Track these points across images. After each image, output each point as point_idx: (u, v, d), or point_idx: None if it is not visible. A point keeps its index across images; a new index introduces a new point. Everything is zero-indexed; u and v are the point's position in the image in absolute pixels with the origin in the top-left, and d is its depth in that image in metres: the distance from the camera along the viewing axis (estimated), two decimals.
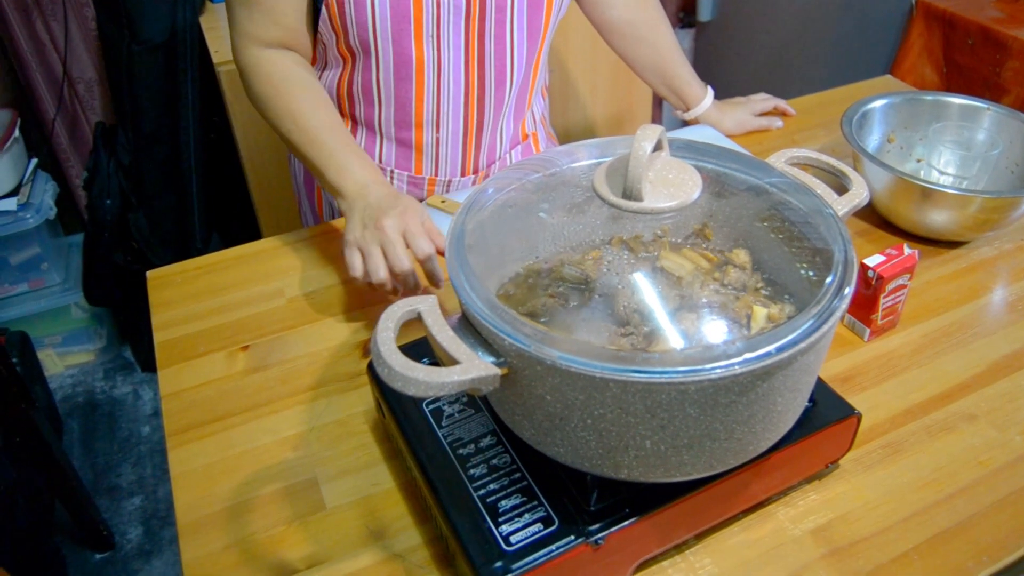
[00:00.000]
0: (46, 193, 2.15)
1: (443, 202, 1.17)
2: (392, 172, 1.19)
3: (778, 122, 1.39)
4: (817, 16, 2.40)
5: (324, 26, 1.04)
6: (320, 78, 1.15)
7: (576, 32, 2.09)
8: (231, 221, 2.25)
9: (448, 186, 1.22)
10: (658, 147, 0.69)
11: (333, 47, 1.07)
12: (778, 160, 0.79)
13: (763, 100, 1.41)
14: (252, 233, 2.15)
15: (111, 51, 2.02)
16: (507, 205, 0.73)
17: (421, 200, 1.21)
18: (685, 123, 1.41)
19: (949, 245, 1.11)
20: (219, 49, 1.84)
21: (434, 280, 0.94)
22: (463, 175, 1.22)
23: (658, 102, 2.78)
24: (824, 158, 0.80)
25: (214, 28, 1.93)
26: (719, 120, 1.37)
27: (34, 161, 2.18)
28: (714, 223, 0.72)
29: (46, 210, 2.11)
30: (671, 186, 0.66)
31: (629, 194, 0.65)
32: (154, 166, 2.03)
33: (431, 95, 1.10)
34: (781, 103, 1.42)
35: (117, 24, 1.91)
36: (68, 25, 2.14)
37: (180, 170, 2.02)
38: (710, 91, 1.37)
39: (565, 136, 2.20)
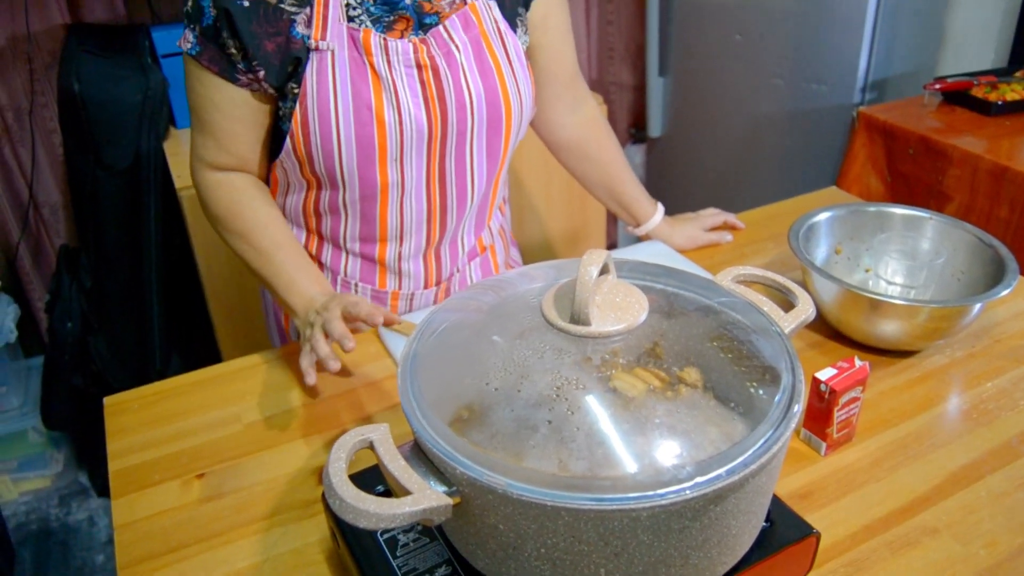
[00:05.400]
0: (7, 316, 2.13)
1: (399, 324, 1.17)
2: (357, 285, 1.21)
3: (728, 236, 1.42)
4: (764, 131, 2.49)
5: (287, 156, 1.07)
6: (285, 200, 1.17)
7: (530, 149, 2.14)
8: (192, 342, 2.24)
9: (411, 299, 1.23)
10: (604, 271, 0.71)
11: (296, 172, 1.10)
12: (725, 278, 0.81)
13: (713, 215, 1.45)
14: (212, 354, 2.13)
15: (76, 176, 2.04)
16: (460, 329, 0.73)
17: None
18: (639, 239, 1.44)
19: (901, 355, 1.13)
20: (181, 174, 1.88)
21: (341, 345, 0.94)
22: (426, 287, 1.23)
23: (612, 217, 2.84)
24: (770, 275, 0.82)
25: (177, 154, 1.97)
26: (669, 235, 1.40)
27: None
28: (665, 342, 0.73)
29: (6, 333, 2.09)
30: (618, 309, 0.68)
31: (577, 319, 0.66)
32: (116, 288, 2.03)
33: (394, 212, 1.13)
34: (730, 217, 1.45)
35: (83, 150, 1.94)
36: (36, 151, 2.17)
37: (141, 292, 2.02)
38: (660, 207, 1.41)
39: (523, 251, 2.23)
